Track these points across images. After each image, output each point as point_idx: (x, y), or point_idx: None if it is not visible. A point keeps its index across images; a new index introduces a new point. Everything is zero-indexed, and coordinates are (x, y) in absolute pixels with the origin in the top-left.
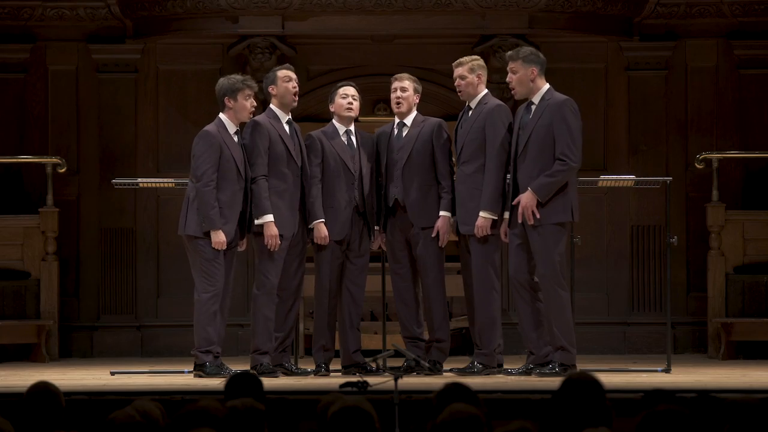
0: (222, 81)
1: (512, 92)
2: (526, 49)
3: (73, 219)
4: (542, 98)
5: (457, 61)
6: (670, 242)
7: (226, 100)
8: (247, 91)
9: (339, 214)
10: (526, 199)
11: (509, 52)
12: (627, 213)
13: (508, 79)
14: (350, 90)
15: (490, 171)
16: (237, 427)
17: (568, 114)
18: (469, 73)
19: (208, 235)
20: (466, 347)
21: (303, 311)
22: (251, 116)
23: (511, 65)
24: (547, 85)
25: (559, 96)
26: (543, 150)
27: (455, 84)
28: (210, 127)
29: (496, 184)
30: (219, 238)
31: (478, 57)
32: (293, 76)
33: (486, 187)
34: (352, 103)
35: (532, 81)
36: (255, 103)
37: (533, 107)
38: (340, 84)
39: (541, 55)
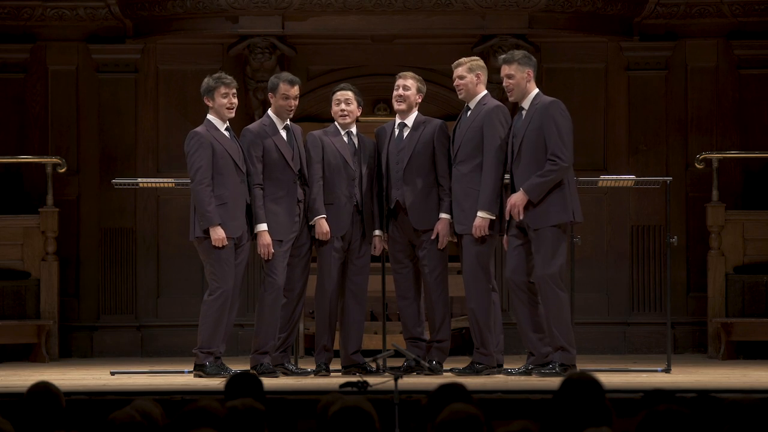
0: (204, 81)
1: (509, 95)
2: (519, 52)
3: (73, 219)
4: (531, 103)
5: (457, 61)
6: (670, 242)
7: (206, 100)
8: (223, 89)
9: (339, 211)
10: (516, 198)
11: (503, 56)
12: (627, 213)
13: (504, 84)
14: (344, 95)
15: (488, 170)
16: (237, 427)
17: (557, 115)
18: (468, 72)
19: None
20: (466, 347)
21: (303, 311)
22: (231, 112)
23: (506, 70)
24: (536, 90)
25: (547, 98)
26: (536, 153)
27: (454, 84)
28: (198, 128)
29: (494, 184)
30: (218, 234)
31: (478, 58)
32: (293, 94)
33: (484, 186)
34: (344, 110)
35: (528, 82)
36: (234, 100)
37: (524, 113)
38: (336, 88)
39: (533, 58)
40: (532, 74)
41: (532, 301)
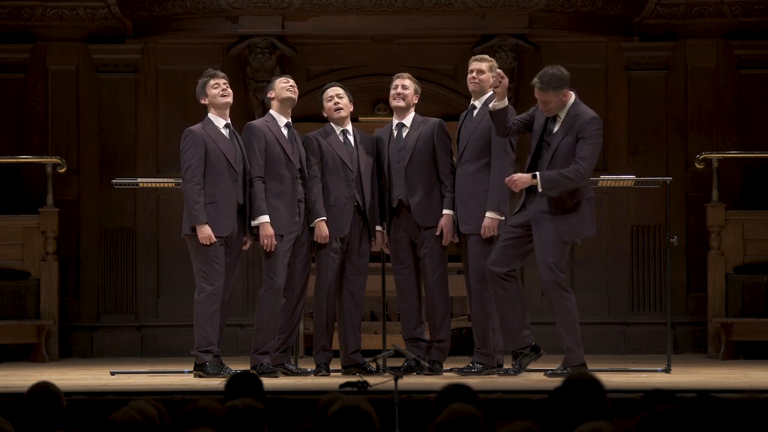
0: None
1: (545, 113)
2: (551, 76)
3: (73, 219)
4: (568, 113)
5: (481, 55)
6: (670, 242)
7: (202, 100)
8: (212, 81)
9: (339, 212)
10: (523, 176)
11: (536, 82)
12: (627, 213)
13: (541, 108)
14: (333, 90)
15: (496, 171)
16: (237, 426)
17: (594, 131)
18: (489, 71)
19: None
20: (466, 347)
21: (303, 311)
22: (226, 98)
23: (542, 97)
24: (572, 97)
25: (587, 112)
26: (566, 164)
27: (470, 75)
28: (193, 126)
29: (502, 185)
30: (204, 232)
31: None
32: (290, 80)
33: (492, 187)
34: (338, 103)
35: (565, 102)
36: (227, 90)
37: (559, 121)
38: (324, 88)
39: (565, 72)
40: (568, 92)
41: (503, 293)
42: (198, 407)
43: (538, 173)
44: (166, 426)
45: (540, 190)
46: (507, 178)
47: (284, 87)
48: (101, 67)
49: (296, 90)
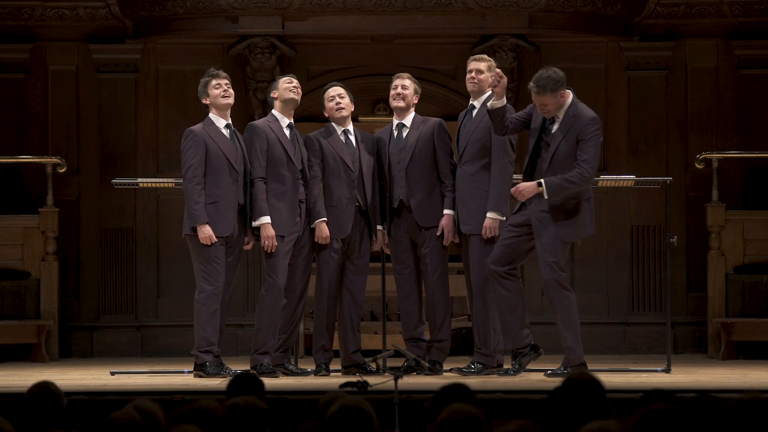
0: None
1: (544, 116)
2: (547, 78)
3: (73, 219)
4: (566, 113)
5: (479, 55)
6: (670, 242)
7: (203, 100)
8: (214, 81)
9: (340, 213)
10: (528, 186)
11: (532, 87)
12: (627, 213)
13: (539, 110)
14: (335, 90)
15: (498, 171)
16: (239, 425)
17: (594, 133)
18: (487, 70)
19: None
20: (466, 347)
21: (303, 311)
22: (228, 99)
23: (539, 100)
24: (570, 96)
25: (585, 112)
26: (566, 165)
27: (469, 75)
28: (194, 126)
29: (503, 185)
30: (204, 233)
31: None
32: (294, 80)
33: (493, 187)
34: (339, 102)
35: (562, 103)
36: (228, 90)
37: (557, 121)
38: (325, 87)
39: (560, 72)
40: (565, 92)
41: (504, 291)
42: (198, 407)
43: (543, 181)
44: (166, 426)
45: (546, 197)
46: (513, 189)
47: (287, 87)
48: (101, 67)
49: (300, 91)
